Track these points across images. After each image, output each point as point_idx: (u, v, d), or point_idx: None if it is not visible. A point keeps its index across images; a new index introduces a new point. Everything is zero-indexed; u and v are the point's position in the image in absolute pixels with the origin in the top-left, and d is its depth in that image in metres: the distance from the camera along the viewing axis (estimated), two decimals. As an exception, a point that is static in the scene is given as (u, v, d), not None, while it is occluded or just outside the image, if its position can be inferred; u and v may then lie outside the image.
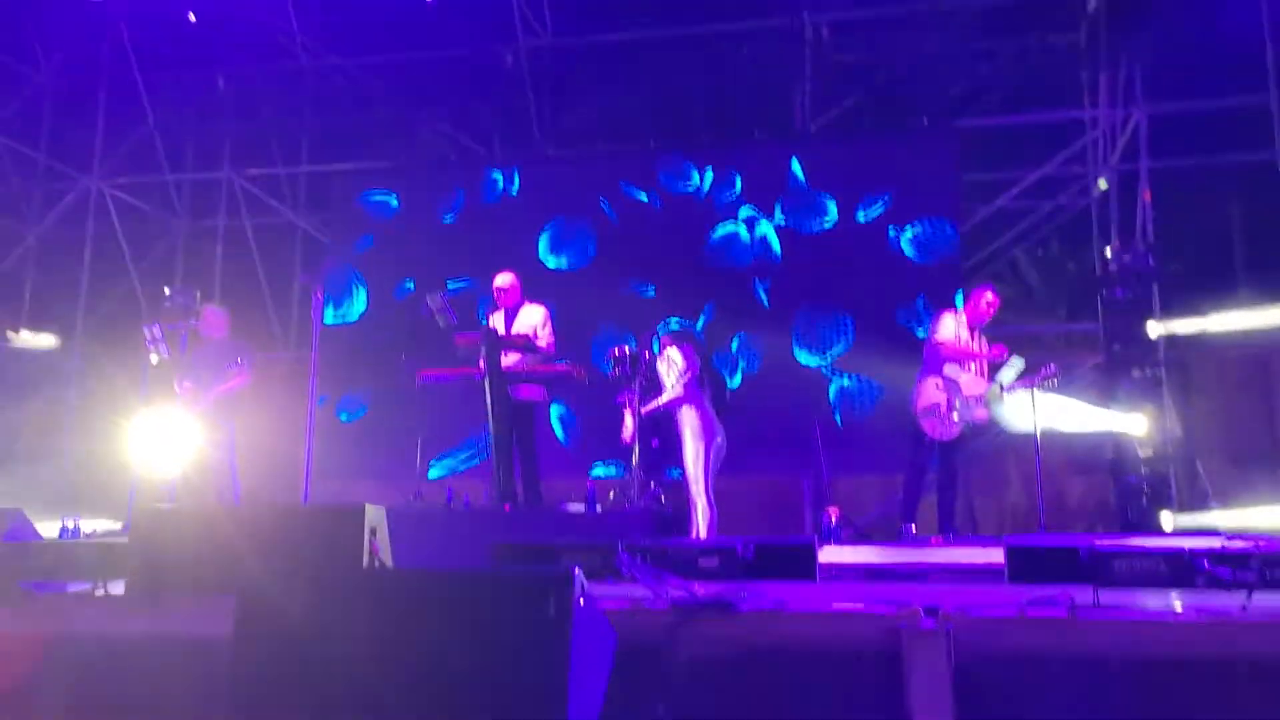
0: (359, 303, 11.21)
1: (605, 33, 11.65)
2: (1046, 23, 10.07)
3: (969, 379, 7.24)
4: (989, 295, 7.39)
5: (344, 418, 10.90)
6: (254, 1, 11.84)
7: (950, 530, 7.25)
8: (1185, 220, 10.58)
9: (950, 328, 7.32)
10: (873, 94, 10.05)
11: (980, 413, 7.20)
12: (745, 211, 10.41)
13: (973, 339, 7.40)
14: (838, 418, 9.83)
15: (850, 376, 9.73)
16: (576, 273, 10.70)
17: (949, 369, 7.23)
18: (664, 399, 7.29)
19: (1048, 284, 13.86)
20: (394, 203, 11.40)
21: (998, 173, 10.73)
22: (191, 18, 10.86)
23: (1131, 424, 8.83)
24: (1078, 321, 11.48)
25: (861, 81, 10.13)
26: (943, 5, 10.68)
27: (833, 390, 9.94)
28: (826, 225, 10.19)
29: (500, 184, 11.07)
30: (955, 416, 7.14)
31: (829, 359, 9.96)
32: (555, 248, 10.78)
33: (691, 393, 7.27)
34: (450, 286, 10.52)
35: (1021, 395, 7.34)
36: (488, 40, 10.89)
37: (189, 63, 11.95)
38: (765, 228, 10.35)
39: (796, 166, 10.37)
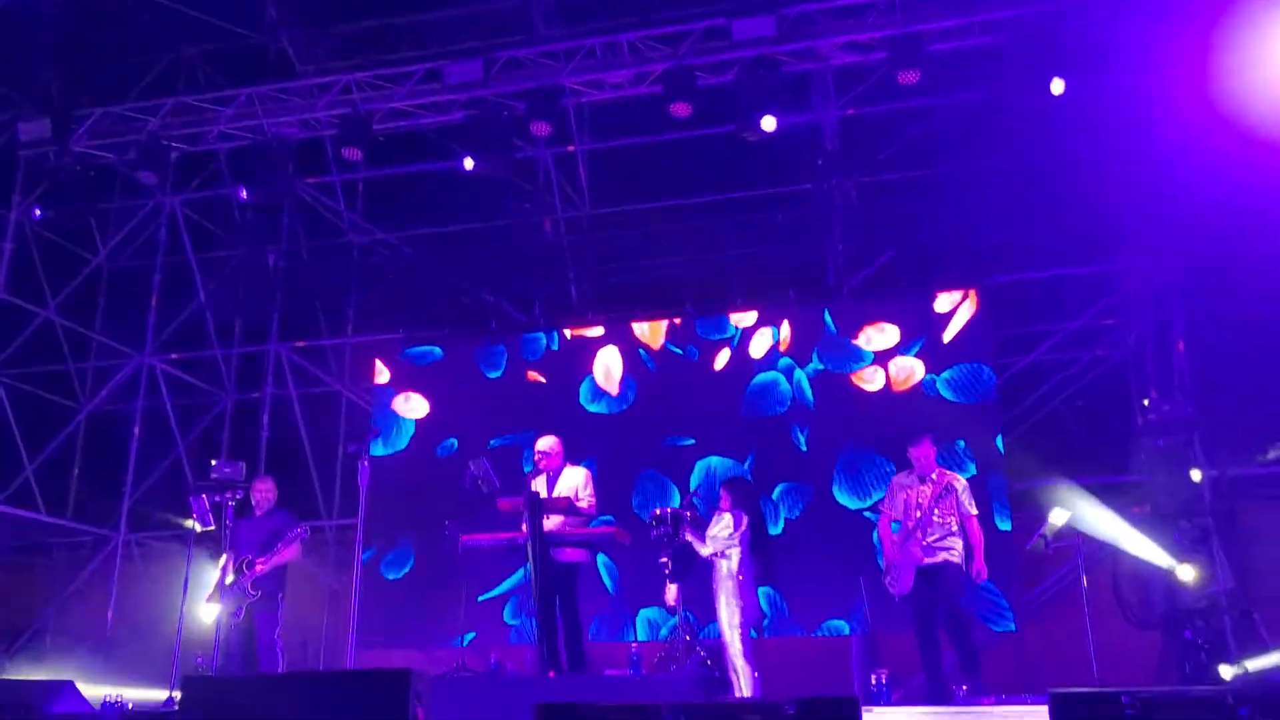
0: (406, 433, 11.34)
1: (640, 202, 12.08)
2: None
3: (896, 544, 7.48)
4: (923, 444, 7.63)
5: (390, 575, 10.85)
6: (303, 185, 12.41)
7: (974, 674, 7.14)
8: (1227, 367, 10.51)
9: (893, 491, 7.71)
10: (903, 252, 10.25)
11: (905, 582, 7.34)
12: (783, 362, 10.49)
13: (925, 489, 7.48)
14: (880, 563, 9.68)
15: (895, 523, 9.64)
16: (616, 416, 10.79)
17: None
18: (706, 551, 7.36)
19: (1093, 436, 13.73)
20: (438, 352, 11.58)
21: (1033, 325, 10.81)
22: (243, 195, 11.23)
23: (1182, 573, 8.66)
24: (1125, 473, 11.33)
25: (892, 240, 10.33)
26: (966, 169, 11.01)
27: (875, 537, 9.80)
28: (863, 369, 10.26)
29: (542, 343, 11.26)
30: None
31: (871, 503, 9.86)
32: (595, 395, 10.91)
33: (736, 558, 7.27)
34: (492, 444, 10.64)
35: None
36: (527, 212, 11.29)
37: (240, 240, 12.43)
38: (800, 375, 10.42)
39: (829, 319, 10.48)
